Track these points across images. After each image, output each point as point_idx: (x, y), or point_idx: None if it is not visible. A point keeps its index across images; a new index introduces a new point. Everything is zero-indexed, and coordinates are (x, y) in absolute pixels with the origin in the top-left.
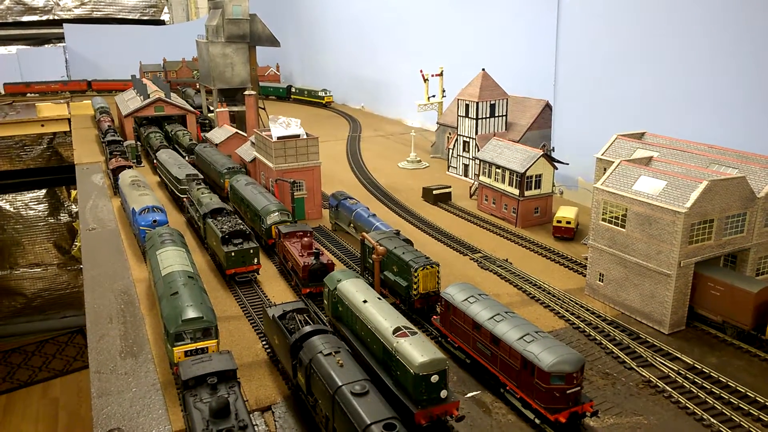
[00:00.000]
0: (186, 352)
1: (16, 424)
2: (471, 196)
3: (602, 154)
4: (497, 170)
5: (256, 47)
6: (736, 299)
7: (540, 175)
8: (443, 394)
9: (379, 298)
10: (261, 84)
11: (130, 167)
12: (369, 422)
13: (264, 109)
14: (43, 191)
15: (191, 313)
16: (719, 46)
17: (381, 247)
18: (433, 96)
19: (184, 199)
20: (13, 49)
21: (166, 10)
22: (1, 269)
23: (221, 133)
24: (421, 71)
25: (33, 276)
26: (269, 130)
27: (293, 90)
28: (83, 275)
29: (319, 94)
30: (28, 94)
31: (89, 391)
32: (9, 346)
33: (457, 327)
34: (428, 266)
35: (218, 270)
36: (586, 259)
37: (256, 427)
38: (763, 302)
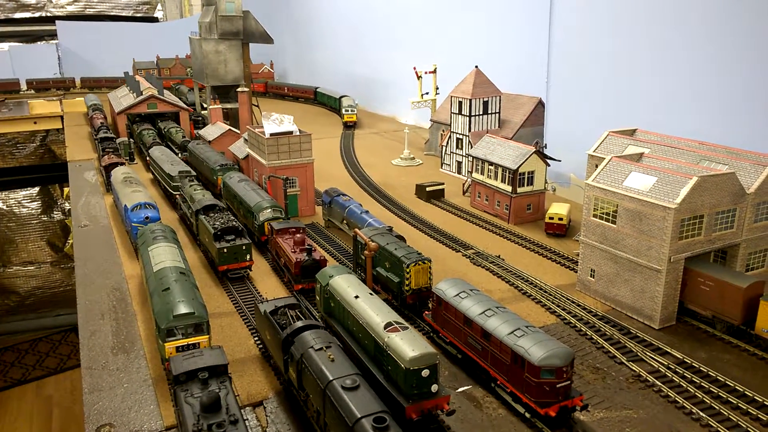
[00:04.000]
0: (177, 347)
1: (11, 423)
2: (464, 192)
3: (594, 151)
4: (490, 167)
5: (250, 44)
6: (725, 294)
7: (532, 172)
8: (434, 388)
9: (371, 294)
10: (320, 90)
11: (122, 164)
12: (359, 416)
13: (257, 105)
14: (36, 189)
15: (183, 309)
16: (712, 44)
17: (373, 243)
18: (427, 93)
19: (177, 196)
20: (5, 46)
21: (159, 7)
22: None
23: (214, 130)
24: (414, 68)
25: (26, 274)
26: (262, 127)
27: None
28: (75, 272)
29: (342, 112)
30: None
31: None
32: (2, 345)
33: (449, 322)
34: (420, 262)
35: (211, 266)
36: (578, 254)
37: (247, 421)
38: (752, 297)
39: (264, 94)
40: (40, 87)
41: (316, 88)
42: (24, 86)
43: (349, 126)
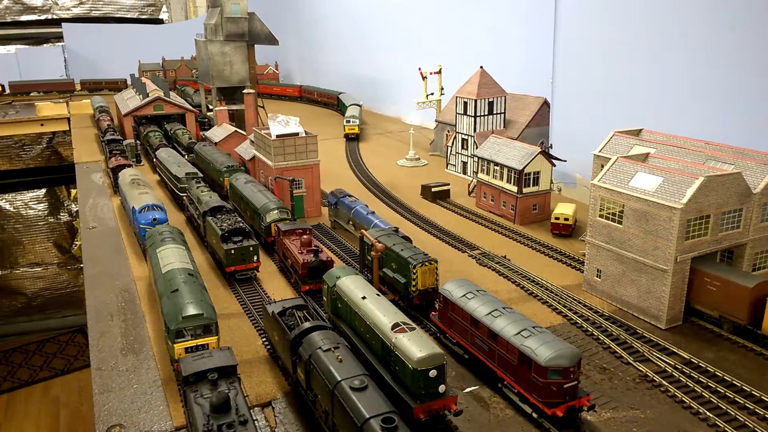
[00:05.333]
0: (186, 348)
1: (18, 424)
2: (469, 193)
3: (600, 151)
4: (495, 167)
5: (255, 45)
6: (732, 294)
7: (538, 172)
8: (441, 388)
9: (378, 295)
10: (341, 96)
11: (129, 166)
12: (368, 416)
13: (263, 107)
14: (43, 191)
15: (191, 310)
16: (717, 43)
17: (380, 244)
18: (432, 94)
19: (184, 198)
20: (12, 48)
21: (164, 8)
22: (2, 269)
23: (220, 131)
24: (419, 69)
25: (33, 275)
26: (268, 129)
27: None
28: (84, 273)
29: (343, 122)
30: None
31: (90, 389)
32: (10, 346)
33: (456, 323)
34: (427, 263)
35: (218, 267)
36: (584, 255)
37: (256, 421)
38: (759, 297)
39: (299, 98)
40: (93, 87)
41: (339, 93)
42: (78, 86)
43: (351, 138)
